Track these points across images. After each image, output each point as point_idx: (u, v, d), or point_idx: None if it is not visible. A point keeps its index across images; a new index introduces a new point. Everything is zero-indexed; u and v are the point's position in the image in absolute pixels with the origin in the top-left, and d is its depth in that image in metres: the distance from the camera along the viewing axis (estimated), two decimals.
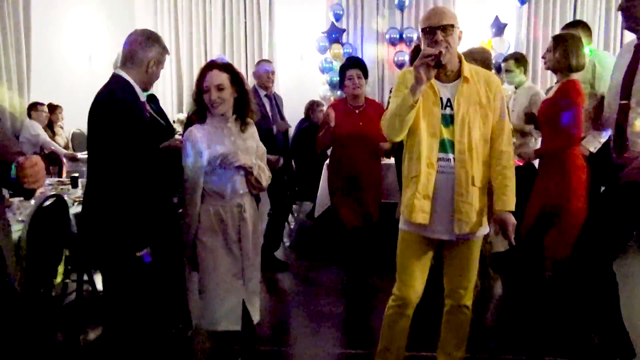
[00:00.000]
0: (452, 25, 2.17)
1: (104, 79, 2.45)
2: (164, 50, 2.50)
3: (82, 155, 5.87)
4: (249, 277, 2.42)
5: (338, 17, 8.09)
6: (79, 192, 3.62)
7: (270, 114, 4.18)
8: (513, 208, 2.27)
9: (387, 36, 8.07)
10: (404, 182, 2.37)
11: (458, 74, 2.24)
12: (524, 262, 3.39)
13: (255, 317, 2.46)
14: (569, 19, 7.66)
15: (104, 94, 2.35)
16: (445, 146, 2.22)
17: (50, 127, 6.02)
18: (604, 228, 2.61)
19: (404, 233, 2.37)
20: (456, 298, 2.41)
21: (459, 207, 2.24)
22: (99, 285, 3.46)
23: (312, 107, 5.50)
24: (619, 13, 2.67)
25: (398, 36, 8.03)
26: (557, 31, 5.78)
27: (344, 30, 8.10)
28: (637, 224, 2.66)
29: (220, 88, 2.32)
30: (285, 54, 8.34)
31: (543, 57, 3.33)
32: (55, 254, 2.95)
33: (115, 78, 2.40)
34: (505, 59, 4.36)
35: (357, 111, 3.51)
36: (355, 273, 3.72)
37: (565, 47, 3.08)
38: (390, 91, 2.66)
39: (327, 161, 4.68)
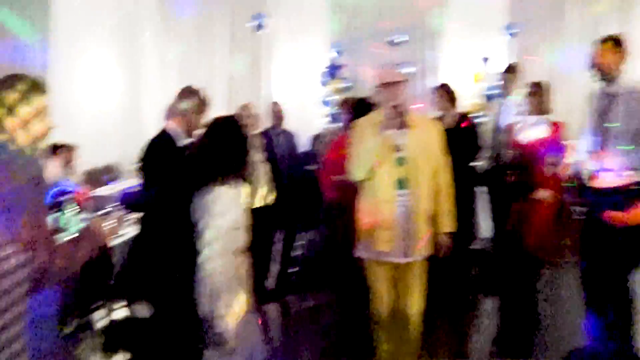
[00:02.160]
0: (405, 82, 2.73)
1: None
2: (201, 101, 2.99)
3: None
4: None
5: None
6: None
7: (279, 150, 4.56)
8: (455, 229, 2.82)
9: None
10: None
11: (406, 123, 2.73)
12: None
13: None
14: None
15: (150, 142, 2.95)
16: (400, 183, 2.70)
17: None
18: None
19: (367, 261, 2.85)
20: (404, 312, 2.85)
21: (411, 235, 2.71)
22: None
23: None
24: None
25: None
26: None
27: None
28: None
29: None
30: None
31: None
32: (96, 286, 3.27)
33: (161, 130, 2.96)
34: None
35: None
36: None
37: None
38: None
39: None
